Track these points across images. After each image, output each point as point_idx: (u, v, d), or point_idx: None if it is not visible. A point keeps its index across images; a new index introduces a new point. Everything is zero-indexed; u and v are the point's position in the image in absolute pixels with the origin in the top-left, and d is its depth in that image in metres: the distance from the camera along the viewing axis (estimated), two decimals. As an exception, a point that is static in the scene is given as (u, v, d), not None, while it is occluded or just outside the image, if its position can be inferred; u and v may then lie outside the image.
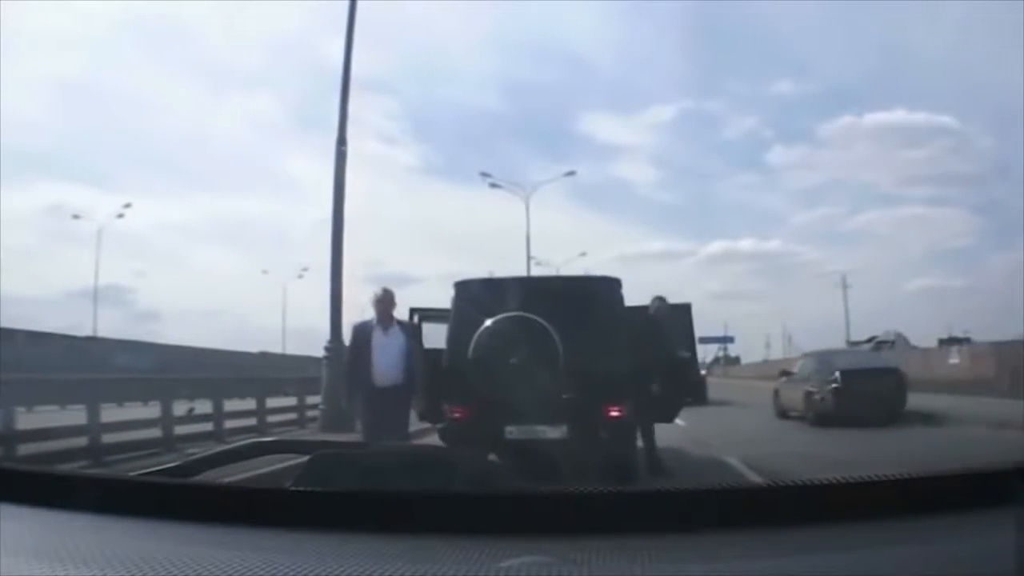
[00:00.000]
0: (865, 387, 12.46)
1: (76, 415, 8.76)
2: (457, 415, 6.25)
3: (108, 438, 8.45)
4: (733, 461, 7.51)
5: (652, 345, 6.99)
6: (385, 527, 0.93)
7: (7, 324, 21.88)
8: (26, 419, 8.60)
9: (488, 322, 6.08)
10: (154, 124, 65.42)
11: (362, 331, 6.41)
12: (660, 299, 7.67)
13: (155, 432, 9.44)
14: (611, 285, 6.72)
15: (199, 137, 66.18)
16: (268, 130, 66.31)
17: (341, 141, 11.63)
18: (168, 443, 9.29)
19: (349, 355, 6.55)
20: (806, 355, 17.12)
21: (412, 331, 6.55)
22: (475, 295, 6.45)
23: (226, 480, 1.44)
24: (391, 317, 6.33)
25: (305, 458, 1.30)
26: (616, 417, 6.04)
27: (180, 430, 9.91)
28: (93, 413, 8.47)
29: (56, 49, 56.30)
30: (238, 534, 0.94)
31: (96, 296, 37.13)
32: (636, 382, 6.49)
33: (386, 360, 6.19)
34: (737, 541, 0.89)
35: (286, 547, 0.89)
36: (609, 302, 6.51)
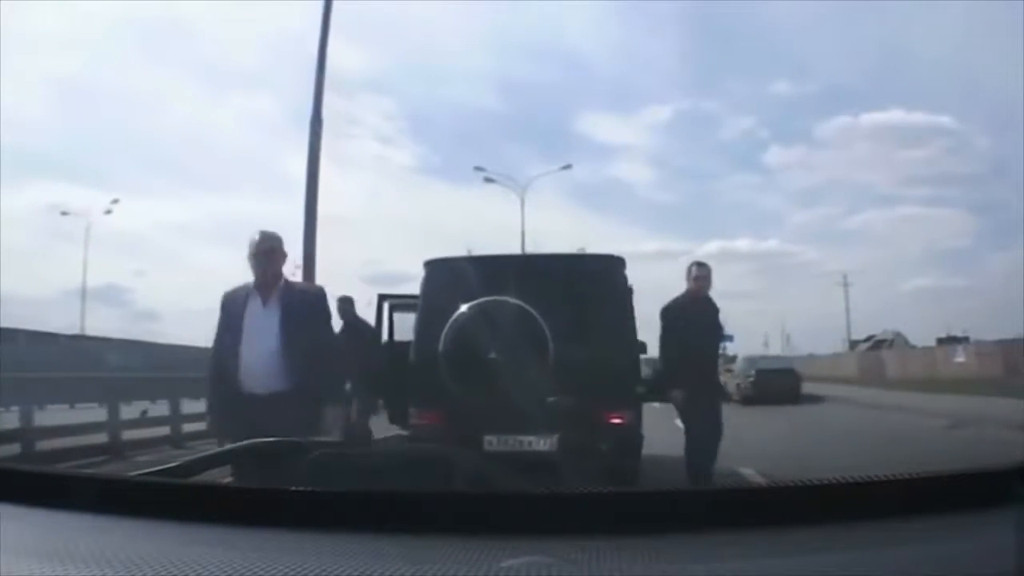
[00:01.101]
0: (770, 380, 19.68)
1: (5, 417, 8.17)
2: (424, 421, 5.18)
3: (43, 445, 7.69)
4: (749, 472, 6.88)
5: (715, 327, 5.92)
6: (385, 527, 0.93)
7: (5, 323, 21.75)
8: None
9: (463, 307, 5.05)
10: (153, 124, 65.32)
11: (232, 304, 3.89)
12: (702, 265, 5.73)
13: (101, 437, 8.53)
14: (612, 264, 5.65)
15: (198, 137, 65.94)
16: (266, 130, 66.27)
17: (316, 120, 10.56)
18: (115, 450, 8.42)
19: (215, 341, 3.96)
20: (741, 358, 23.69)
21: (315, 301, 4.00)
22: (449, 276, 5.36)
23: (226, 480, 1.44)
24: (277, 278, 3.86)
25: (305, 458, 1.30)
26: (618, 425, 5.11)
27: (132, 435, 9.00)
28: (26, 416, 7.70)
29: (55, 48, 56.34)
30: (238, 534, 0.94)
31: (84, 294, 36.76)
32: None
33: (259, 349, 3.74)
34: (737, 541, 0.89)
35: (286, 547, 0.89)
36: (610, 284, 5.47)
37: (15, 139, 53.47)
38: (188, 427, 9.88)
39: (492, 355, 4.89)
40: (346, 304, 7.59)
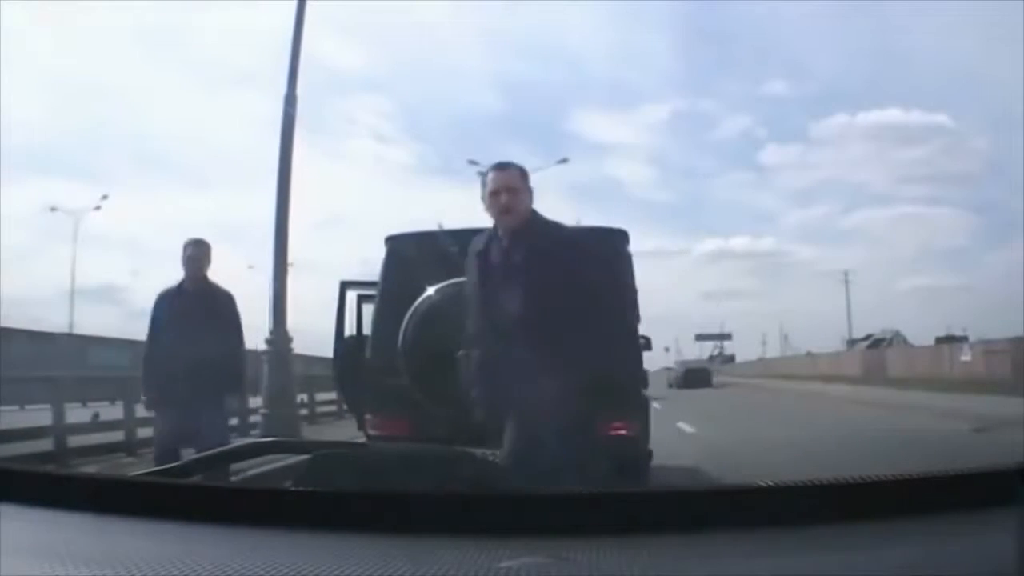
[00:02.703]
0: (694, 374, 35.11)
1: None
2: (383, 432, 4.31)
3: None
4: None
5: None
6: (385, 527, 0.93)
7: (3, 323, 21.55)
8: None
9: (430, 291, 4.14)
10: (150, 123, 65.46)
11: None
12: (503, 169, 3.34)
13: (45, 445, 7.78)
14: (614, 239, 4.71)
15: (194, 135, 66.08)
16: (262, 128, 66.19)
17: (289, 100, 9.58)
18: (61, 457, 7.66)
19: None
20: (675, 362, 41.38)
21: None
22: (415, 254, 4.40)
23: (226, 480, 1.44)
24: None
25: (305, 458, 1.30)
26: (621, 436, 4.28)
27: (78, 441, 8.13)
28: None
29: (53, 47, 56.31)
30: (238, 534, 0.94)
31: (73, 292, 36.51)
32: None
33: None
34: (737, 541, 0.89)
35: (286, 547, 0.89)
36: (611, 263, 4.50)
37: (11, 137, 53.49)
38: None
39: (464, 352, 3.90)
40: (197, 255, 4.64)
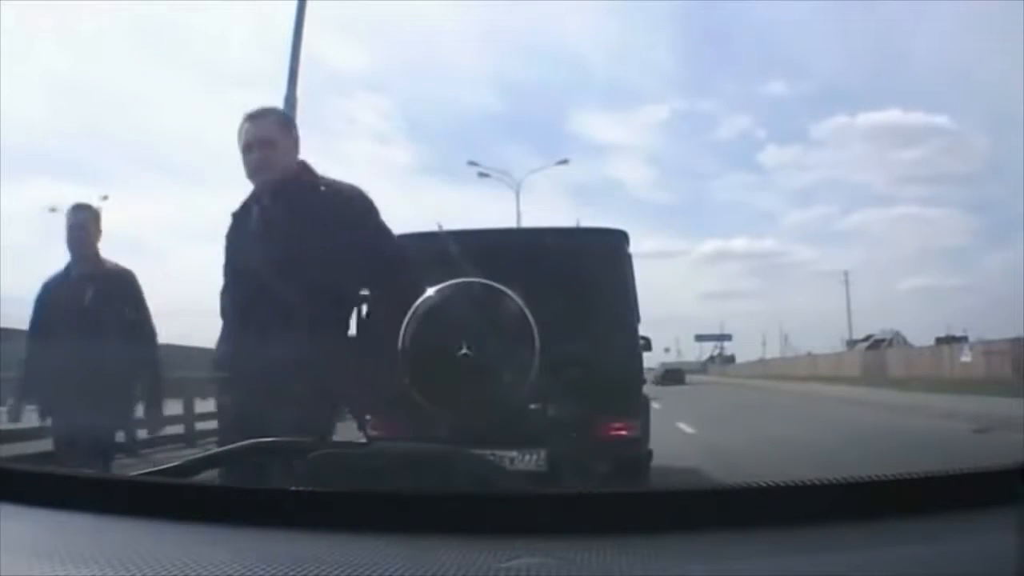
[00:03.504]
0: (670, 374, 42.28)
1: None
2: (384, 432, 4.27)
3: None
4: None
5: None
6: (385, 527, 0.93)
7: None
8: None
9: (430, 292, 3.89)
10: (150, 123, 65.30)
11: None
12: (259, 116, 2.83)
13: (45, 445, 7.86)
14: (613, 240, 4.84)
15: (194, 136, 65.99)
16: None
17: (289, 101, 9.56)
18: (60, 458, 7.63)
19: None
20: (658, 363, 45.36)
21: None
22: (415, 256, 4.12)
23: (226, 480, 1.44)
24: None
25: (304, 458, 1.30)
26: (621, 436, 4.38)
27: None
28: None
29: (51, 46, 56.34)
30: (238, 534, 0.94)
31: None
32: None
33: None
34: (737, 541, 0.89)
35: (285, 547, 0.89)
36: (610, 264, 4.66)
37: (11, 137, 53.43)
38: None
39: (463, 351, 3.82)
40: (81, 222, 3.85)
